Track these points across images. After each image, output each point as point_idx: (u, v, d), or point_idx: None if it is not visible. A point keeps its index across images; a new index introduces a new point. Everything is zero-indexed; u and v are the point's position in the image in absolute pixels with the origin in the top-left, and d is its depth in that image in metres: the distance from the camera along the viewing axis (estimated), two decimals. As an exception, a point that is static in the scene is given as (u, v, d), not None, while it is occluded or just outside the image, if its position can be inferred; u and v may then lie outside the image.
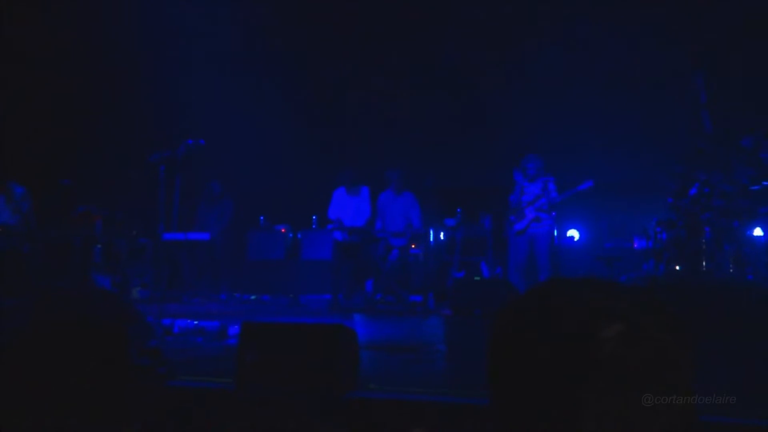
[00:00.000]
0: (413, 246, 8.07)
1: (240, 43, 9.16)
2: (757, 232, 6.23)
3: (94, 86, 9.02)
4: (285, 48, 9.44)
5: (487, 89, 9.16)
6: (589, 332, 0.68)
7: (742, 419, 2.78)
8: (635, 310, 0.70)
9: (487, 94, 9.16)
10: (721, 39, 7.66)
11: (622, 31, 8.09)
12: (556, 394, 0.68)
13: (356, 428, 3.07)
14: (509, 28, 8.81)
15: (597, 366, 0.67)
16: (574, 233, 9.10)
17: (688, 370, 0.70)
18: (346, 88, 9.39)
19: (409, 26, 9.08)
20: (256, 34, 9.22)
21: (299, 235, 9.68)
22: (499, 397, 0.74)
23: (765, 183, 6.08)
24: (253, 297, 8.72)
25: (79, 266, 7.34)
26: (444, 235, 8.83)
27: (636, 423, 0.67)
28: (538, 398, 0.69)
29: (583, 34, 8.39)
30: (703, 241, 5.82)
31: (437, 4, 9.03)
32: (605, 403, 0.67)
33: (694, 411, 0.70)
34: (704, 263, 5.82)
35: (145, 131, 8.54)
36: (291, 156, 9.46)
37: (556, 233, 8.12)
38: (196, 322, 5.03)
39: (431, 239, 8.64)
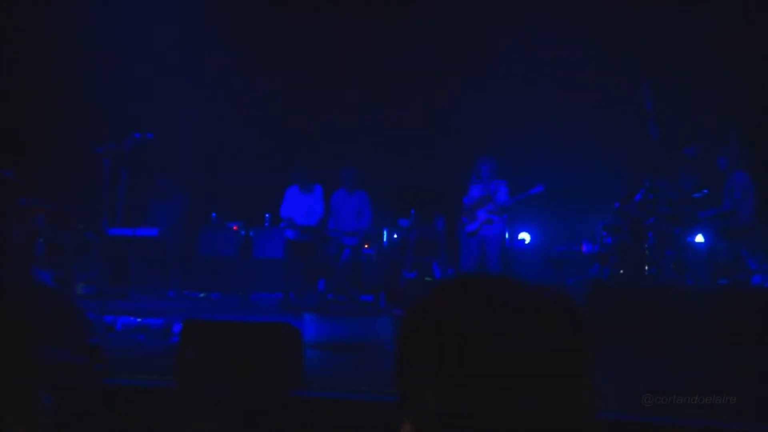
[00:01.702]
0: (366, 246, 8.07)
1: (192, 36, 9.00)
2: (699, 238, 6.46)
3: (38, 75, 8.74)
4: (238, 43, 9.32)
5: (442, 91, 9.24)
6: (491, 330, 0.69)
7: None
8: (540, 307, 0.71)
9: (442, 96, 9.24)
10: (667, 49, 7.90)
11: (573, 39, 8.27)
12: (458, 392, 0.69)
13: (299, 427, 3.05)
14: (465, 33, 8.90)
15: (499, 363, 0.68)
16: (525, 236, 9.24)
17: (588, 369, 0.71)
18: (301, 86, 9.33)
19: (367, 27, 9.08)
20: (209, 29, 9.08)
21: (251, 233, 9.56)
22: (406, 395, 0.74)
23: (706, 191, 6.31)
24: (202, 294, 8.57)
25: (19, 260, 7.09)
26: (397, 236, 8.85)
27: (537, 420, 0.68)
28: (443, 396, 0.70)
29: (536, 42, 8.54)
30: (646, 246, 5.99)
31: (394, 7, 9.06)
32: (508, 400, 0.68)
33: (593, 410, 0.72)
34: (647, 268, 5.99)
35: (92, 123, 8.30)
36: (244, 152, 9.35)
37: (507, 236, 8.24)
38: (139, 320, 4.92)
39: (384, 239, 8.66)
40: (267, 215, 9.45)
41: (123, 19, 8.74)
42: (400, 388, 0.76)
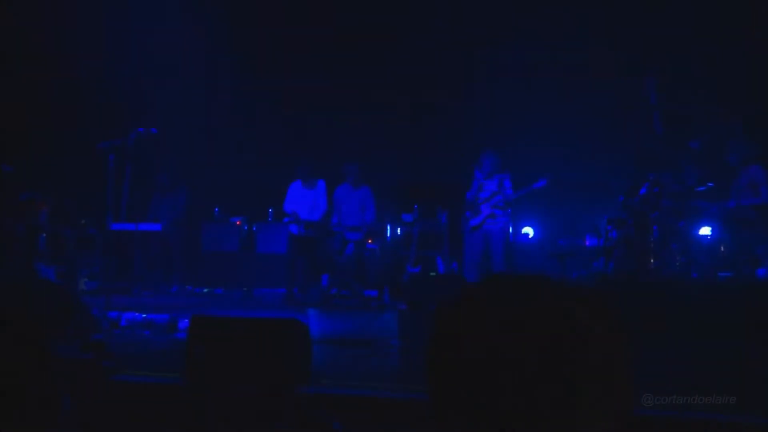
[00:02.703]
0: (370, 241, 8.05)
1: (196, 33, 8.97)
2: (704, 231, 6.43)
3: (43, 72, 8.70)
4: (241, 40, 9.28)
5: (445, 86, 9.20)
6: (534, 332, 0.67)
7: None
8: (579, 308, 0.70)
9: (445, 90, 9.20)
10: (671, 43, 7.86)
11: (577, 32, 8.23)
12: (496, 392, 0.67)
13: (308, 424, 3.04)
14: (467, 27, 8.86)
15: (541, 365, 0.67)
16: (528, 230, 9.23)
17: (629, 369, 0.70)
18: (304, 81, 9.29)
19: (369, 25, 9.04)
20: (212, 24, 9.04)
21: (254, 228, 9.55)
22: (438, 393, 0.73)
23: (710, 184, 6.28)
24: (205, 290, 8.56)
25: (22, 255, 7.07)
26: (401, 230, 8.83)
27: (579, 421, 0.67)
28: (477, 396, 0.68)
29: (539, 35, 8.49)
30: (651, 239, 5.97)
31: (395, 4, 9.02)
32: (550, 402, 0.66)
33: (632, 409, 0.70)
34: (652, 261, 5.97)
35: (96, 118, 8.28)
36: (247, 148, 9.32)
37: (511, 230, 8.22)
38: (144, 315, 4.91)
39: (388, 234, 8.64)
40: (270, 210, 9.43)
41: (128, 15, 8.70)
42: (430, 388, 0.75)
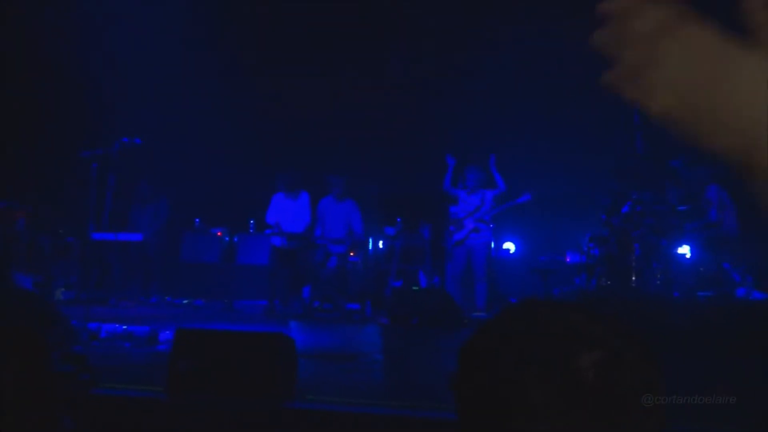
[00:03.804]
0: (352, 254, 8.03)
1: (178, 42, 8.92)
2: (683, 250, 6.52)
3: (26, 80, 8.59)
4: (224, 50, 9.26)
5: (429, 99, 9.25)
6: (569, 360, 0.67)
7: None
8: (611, 335, 0.69)
9: (429, 103, 9.25)
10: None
11: (562, 48, 8.33)
12: (534, 422, 0.66)
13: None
14: (453, 40, 8.93)
15: (578, 394, 0.66)
16: (510, 246, 9.28)
17: (661, 394, 0.70)
18: (287, 92, 9.28)
19: (354, 33, 9.07)
20: (194, 35, 9.00)
21: (235, 239, 9.48)
22: (472, 425, 0.72)
23: (691, 204, 6.38)
24: (185, 301, 8.45)
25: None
26: (383, 244, 8.82)
27: None
28: (518, 426, 0.67)
29: (524, 50, 8.59)
30: (633, 257, 6.04)
31: (382, 13, 9.06)
32: (587, 429, 0.66)
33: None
34: (633, 279, 6.03)
35: (77, 128, 8.17)
36: (229, 158, 9.26)
37: (493, 245, 8.26)
38: (124, 327, 4.82)
39: (370, 247, 8.62)
40: (251, 221, 9.37)
41: (111, 25, 8.63)
42: (460, 412, 0.73)
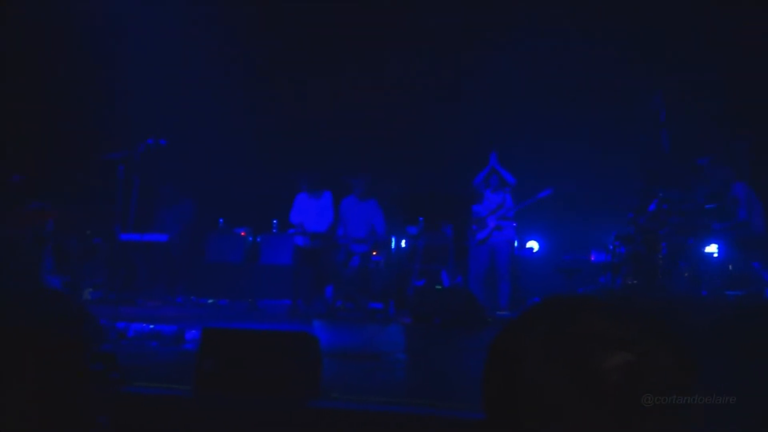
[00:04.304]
0: (374, 253, 8.04)
1: (202, 44, 9.02)
2: (711, 249, 6.43)
3: (52, 82, 8.74)
4: (247, 52, 9.33)
5: (451, 98, 9.22)
6: (596, 361, 0.66)
7: None
8: (641, 335, 0.69)
9: (450, 102, 9.22)
10: (681, 59, 7.88)
11: (586, 45, 8.26)
12: (561, 422, 0.66)
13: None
14: (473, 37, 8.90)
15: (601, 396, 0.65)
16: (533, 244, 9.21)
17: (693, 393, 0.69)
18: (309, 93, 9.33)
19: (371, 34, 9.08)
20: (217, 37, 9.09)
21: (259, 239, 9.54)
22: (498, 423, 0.71)
23: (719, 202, 6.28)
24: (210, 301, 8.54)
25: (28, 265, 7.06)
26: (405, 243, 8.82)
27: None
28: (542, 426, 0.67)
29: (547, 46, 8.52)
30: (660, 256, 5.96)
31: (401, 11, 9.05)
32: (613, 430, 0.65)
33: None
34: (660, 278, 5.95)
35: (103, 129, 8.30)
36: (252, 159, 9.33)
37: (516, 243, 8.22)
38: (152, 326, 4.88)
39: (392, 247, 8.62)
40: (274, 221, 9.43)
41: (135, 28, 8.75)
42: (487, 407, 0.73)
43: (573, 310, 0.71)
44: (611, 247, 6.59)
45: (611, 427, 0.65)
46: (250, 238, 9.50)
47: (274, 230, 9.47)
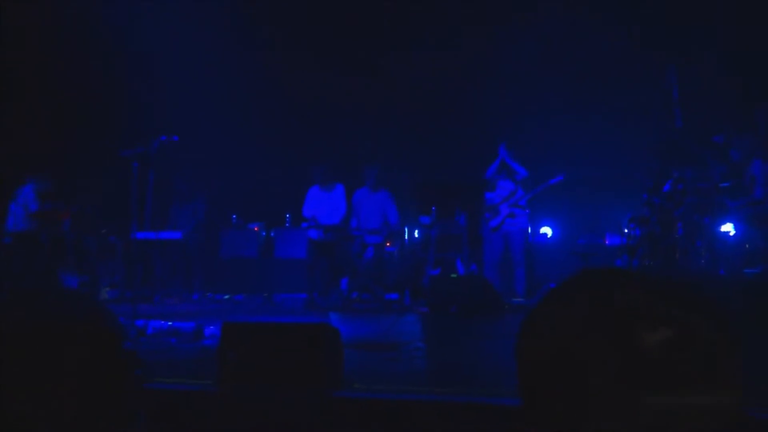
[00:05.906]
0: (388, 244, 8.04)
1: (213, 41, 9.02)
2: (727, 227, 6.37)
3: (65, 81, 8.79)
4: (257, 47, 9.32)
5: (461, 85, 9.17)
6: (631, 337, 0.65)
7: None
8: (681, 309, 0.67)
9: (460, 90, 9.17)
10: (693, 35, 7.77)
11: (596, 25, 8.17)
12: (599, 399, 0.65)
13: (341, 428, 3.02)
14: (482, 21, 8.83)
15: (640, 372, 0.64)
16: (547, 230, 9.18)
17: (735, 368, 0.67)
18: (321, 86, 9.30)
19: (382, 23, 9.04)
20: (228, 33, 9.08)
21: (272, 234, 9.57)
22: (533, 401, 0.70)
23: (735, 180, 6.21)
24: (226, 296, 8.59)
25: (46, 265, 7.12)
26: (419, 233, 8.81)
27: (687, 424, 0.65)
28: (579, 404, 0.66)
29: (557, 29, 8.44)
30: (676, 237, 5.91)
31: (412, 3, 9.01)
32: (654, 406, 0.64)
33: (741, 408, 0.68)
34: (677, 258, 5.91)
35: (116, 127, 8.34)
36: (263, 154, 9.35)
37: (530, 230, 8.19)
38: (170, 323, 4.91)
39: (406, 237, 8.62)
40: (287, 215, 9.45)
41: (147, 25, 8.77)
42: (523, 392, 0.72)
43: (613, 284, 0.70)
44: (626, 229, 6.55)
45: (649, 402, 0.64)
46: (264, 233, 9.53)
47: (287, 224, 9.49)
